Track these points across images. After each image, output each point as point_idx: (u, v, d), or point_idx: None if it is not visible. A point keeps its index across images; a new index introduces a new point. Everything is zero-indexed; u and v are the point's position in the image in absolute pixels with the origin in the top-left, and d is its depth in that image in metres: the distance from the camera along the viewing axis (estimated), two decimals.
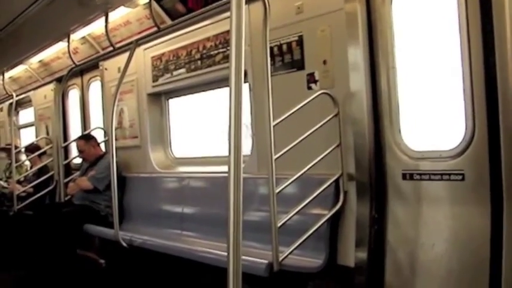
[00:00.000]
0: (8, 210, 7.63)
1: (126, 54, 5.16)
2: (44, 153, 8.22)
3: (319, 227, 3.69)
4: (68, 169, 7.64)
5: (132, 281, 5.51)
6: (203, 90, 5.74)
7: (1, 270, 6.92)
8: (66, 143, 7.82)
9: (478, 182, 3.09)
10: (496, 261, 2.92)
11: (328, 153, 3.80)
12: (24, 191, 7.63)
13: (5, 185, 8.38)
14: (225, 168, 2.21)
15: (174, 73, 5.73)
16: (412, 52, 3.50)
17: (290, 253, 3.57)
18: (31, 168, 8.34)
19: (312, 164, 3.74)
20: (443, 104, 3.35)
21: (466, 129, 3.15)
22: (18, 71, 8.52)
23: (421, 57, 3.46)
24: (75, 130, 8.01)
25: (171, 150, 6.29)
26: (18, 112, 10.38)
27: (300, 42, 4.21)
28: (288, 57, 4.29)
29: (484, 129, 3.05)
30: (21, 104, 9.85)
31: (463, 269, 3.14)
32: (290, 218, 3.60)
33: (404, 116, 3.53)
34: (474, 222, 3.09)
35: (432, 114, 3.42)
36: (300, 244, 3.60)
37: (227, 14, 2.29)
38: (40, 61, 7.87)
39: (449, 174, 3.22)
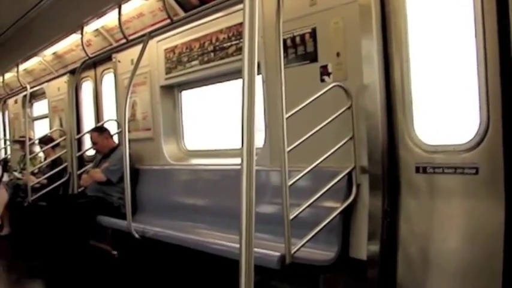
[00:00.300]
0: (23, 201, 7.70)
1: (139, 47, 5.16)
2: (58, 145, 8.27)
3: (332, 219, 3.68)
4: (82, 161, 7.70)
5: (145, 272, 5.54)
6: (216, 82, 5.74)
7: (16, 259, 7.01)
8: (79, 135, 7.86)
9: (492, 176, 3.06)
10: (510, 256, 2.90)
11: (341, 145, 3.79)
12: (38, 183, 7.69)
13: (19, 176, 8.46)
14: (237, 160, 2.21)
15: (187, 65, 5.73)
16: (426, 44, 3.47)
17: (302, 246, 3.56)
18: (45, 159, 8.40)
19: (325, 156, 3.72)
20: (457, 97, 3.33)
21: (480, 122, 3.12)
22: (32, 63, 8.56)
23: (435, 49, 3.43)
24: (88, 122, 8.04)
25: (183, 142, 6.30)
26: (32, 104, 10.45)
27: (313, 34, 4.19)
28: (301, 49, 4.28)
29: (498, 122, 3.02)
30: (35, 96, 9.92)
31: (475, 263, 3.12)
32: (302, 210, 3.59)
33: (418, 109, 3.51)
34: (487, 217, 3.07)
35: (446, 107, 3.40)
36: (312, 237, 3.59)
37: (240, 6, 2.29)
38: (54, 53, 7.90)
39: (463, 168, 3.19)
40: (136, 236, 5.13)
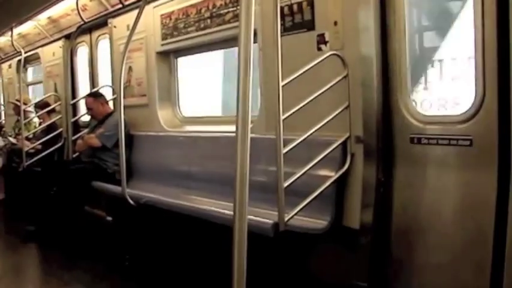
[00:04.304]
0: (17, 167, 7.71)
1: (135, 12, 5.09)
2: (53, 110, 8.24)
3: (325, 188, 3.69)
4: (76, 127, 7.68)
5: (139, 238, 5.58)
6: (212, 49, 5.71)
7: (10, 224, 7.04)
8: (74, 100, 7.84)
9: (485, 148, 3.08)
10: (500, 228, 2.93)
11: (337, 115, 3.78)
12: (33, 148, 7.68)
13: (14, 141, 8.45)
14: (232, 128, 2.21)
15: (183, 31, 5.69)
16: (423, 15, 3.45)
17: (296, 214, 3.57)
18: (40, 125, 8.38)
19: (320, 125, 3.71)
20: (453, 69, 3.32)
21: (475, 94, 3.12)
22: (26, 27, 8.49)
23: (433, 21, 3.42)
24: (83, 88, 8.01)
25: (179, 109, 6.29)
26: (26, 69, 10.38)
27: (311, 2, 4.14)
28: (299, 17, 4.24)
29: (494, 95, 3.02)
30: (29, 61, 9.85)
31: (466, 234, 3.15)
32: (297, 179, 3.60)
33: (414, 80, 3.50)
34: (480, 189, 3.09)
35: (442, 78, 3.40)
36: (306, 205, 3.60)
37: None
38: (49, 18, 7.83)
39: (457, 140, 3.20)
40: (131, 202, 5.14)
